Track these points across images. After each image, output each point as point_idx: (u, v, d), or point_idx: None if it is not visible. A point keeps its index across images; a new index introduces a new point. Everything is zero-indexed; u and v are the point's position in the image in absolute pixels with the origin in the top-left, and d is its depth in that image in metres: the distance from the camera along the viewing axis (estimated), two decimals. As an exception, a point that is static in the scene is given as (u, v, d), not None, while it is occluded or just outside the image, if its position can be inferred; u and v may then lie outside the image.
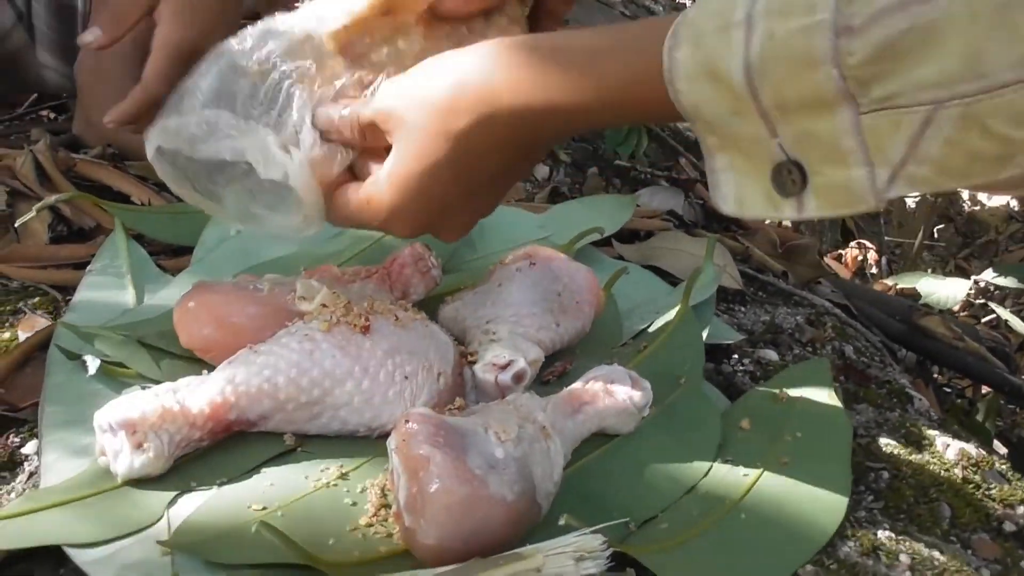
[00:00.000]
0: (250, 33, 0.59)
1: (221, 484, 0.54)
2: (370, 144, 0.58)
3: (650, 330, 0.78)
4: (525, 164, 0.59)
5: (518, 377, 0.63)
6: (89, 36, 0.85)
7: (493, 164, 0.54)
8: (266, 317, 0.63)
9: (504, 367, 0.63)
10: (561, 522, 0.49)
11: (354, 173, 0.59)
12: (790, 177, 0.44)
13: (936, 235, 2.01)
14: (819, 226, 1.51)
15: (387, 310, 0.62)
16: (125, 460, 0.52)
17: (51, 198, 0.78)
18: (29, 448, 0.59)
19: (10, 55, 1.12)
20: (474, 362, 0.64)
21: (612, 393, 0.61)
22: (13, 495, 0.55)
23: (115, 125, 0.80)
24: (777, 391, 0.71)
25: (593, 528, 0.48)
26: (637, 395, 0.62)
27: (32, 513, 0.49)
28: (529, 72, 0.49)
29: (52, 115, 1.31)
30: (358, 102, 0.56)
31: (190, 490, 0.54)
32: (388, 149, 0.57)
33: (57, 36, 1.12)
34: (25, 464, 0.58)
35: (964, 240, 2.20)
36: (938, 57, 0.39)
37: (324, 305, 0.62)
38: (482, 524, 0.48)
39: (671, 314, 0.78)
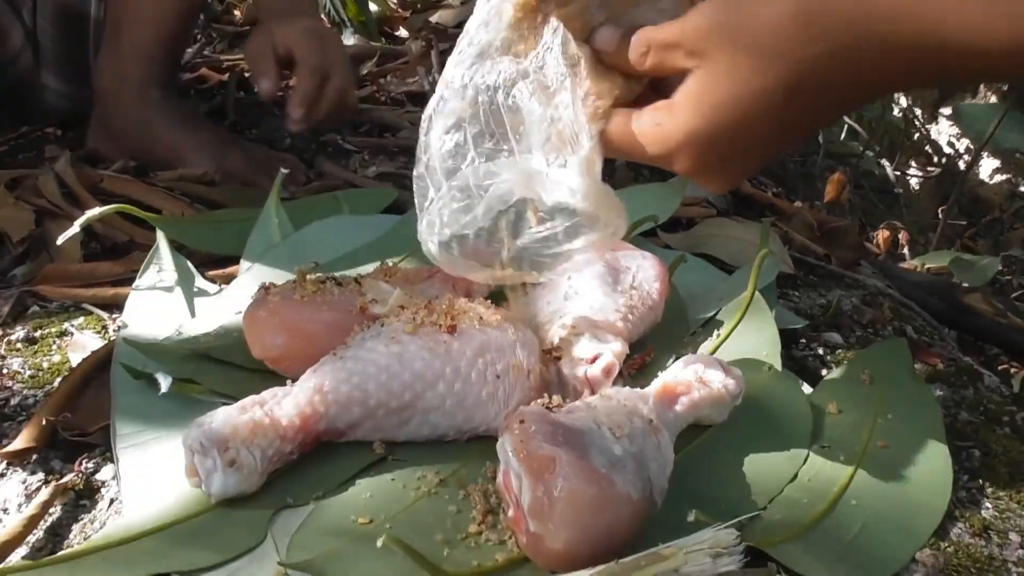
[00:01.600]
0: (438, 89, 0.54)
1: (318, 498, 0.52)
2: (652, 72, 0.51)
3: (717, 318, 0.76)
4: (852, 107, 0.51)
5: (607, 371, 0.61)
6: (264, 86, 1.00)
7: (829, 102, 0.48)
8: (340, 323, 0.60)
9: (592, 361, 0.61)
10: (691, 519, 0.47)
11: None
12: None
13: (941, 215, 2.01)
14: (841, 211, 1.50)
15: (469, 308, 0.59)
16: (219, 479, 0.49)
17: (94, 211, 0.75)
18: (105, 473, 0.56)
19: (19, 77, 1.08)
20: (558, 357, 0.62)
21: (706, 383, 0.59)
22: (97, 524, 0.52)
23: (297, 119, 0.98)
24: (861, 374, 0.69)
25: (726, 524, 0.46)
26: (731, 383, 0.59)
27: (129, 542, 0.46)
28: None
29: (58, 131, 1.27)
30: (647, 28, 0.50)
31: (287, 506, 0.51)
32: (665, 86, 0.51)
33: (63, 50, 1.09)
34: (103, 490, 0.55)
35: (969, 219, 2.20)
36: None
37: (401, 307, 0.60)
38: (611, 525, 0.46)
39: (734, 301, 0.76)
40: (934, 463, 0.61)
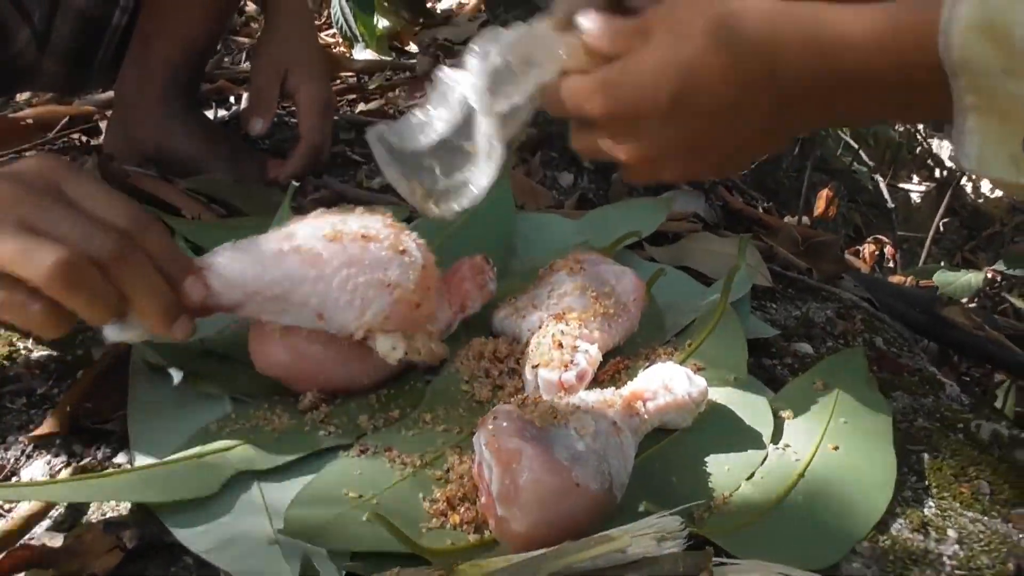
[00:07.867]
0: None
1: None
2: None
3: (691, 328, 0.81)
4: (756, 113, 0.55)
5: (580, 376, 0.66)
6: (258, 126, 1.05)
7: (720, 85, 0.53)
8: (340, 344, 0.65)
9: (567, 367, 0.66)
10: (641, 508, 0.52)
11: None
12: None
13: (942, 228, 2.05)
14: (833, 224, 1.55)
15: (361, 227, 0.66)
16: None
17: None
18: (121, 458, 0.62)
19: (19, 70, 1.09)
20: (537, 364, 0.67)
21: (671, 390, 0.64)
22: (113, 501, 0.58)
23: (285, 181, 0.97)
24: (817, 381, 0.75)
25: (672, 511, 0.51)
26: (695, 391, 0.65)
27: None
28: None
29: (84, 138, 1.33)
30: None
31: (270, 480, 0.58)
32: None
33: (74, 49, 1.08)
34: (120, 473, 0.61)
35: (969, 232, 2.24)
36: None
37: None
38: (570, 512, 0.51)
39: (709, 312, 0.81)
40: (879, 465, 0.67)
